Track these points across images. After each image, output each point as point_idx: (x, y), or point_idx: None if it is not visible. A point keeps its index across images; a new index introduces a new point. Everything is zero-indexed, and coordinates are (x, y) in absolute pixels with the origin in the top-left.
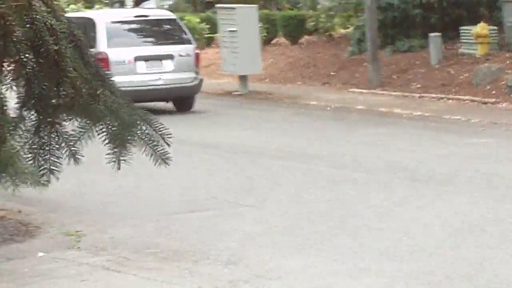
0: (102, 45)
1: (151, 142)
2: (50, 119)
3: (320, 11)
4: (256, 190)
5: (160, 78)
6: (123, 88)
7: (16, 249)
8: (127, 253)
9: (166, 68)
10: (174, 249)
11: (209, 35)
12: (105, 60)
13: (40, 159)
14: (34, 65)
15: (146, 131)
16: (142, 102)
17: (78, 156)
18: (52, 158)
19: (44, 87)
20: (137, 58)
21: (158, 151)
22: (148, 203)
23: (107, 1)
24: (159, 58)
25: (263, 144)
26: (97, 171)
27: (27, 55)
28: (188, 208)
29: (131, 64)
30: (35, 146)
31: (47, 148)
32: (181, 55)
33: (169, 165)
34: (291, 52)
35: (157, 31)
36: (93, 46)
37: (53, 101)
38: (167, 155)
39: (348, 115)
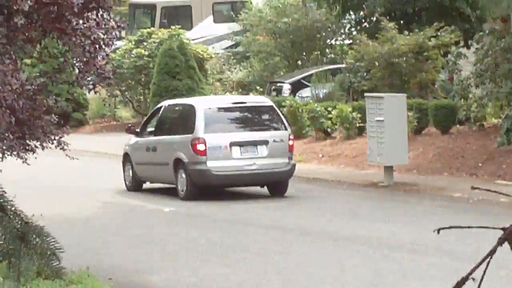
0: (200, 130)
1: (45, 255)
2: None
3: (472, 100)
4: (384, 285)
5: (254, 163)
6: (218, 173)
7: None
8: None
9: (260, 154)
10: None
11: (360, 124)
12: (202, 146)
13: None
14: None
15: (39, 244)
16: (237, 187)
17: None
18: None
19: None
20: (233, 144)
21: (53, 265)
22: None
23: (262, 90)
24: (254, 143)
25: (399, 237)
26: (222, 264)
27: None
28: None
29: (227, 150)
30: None
31: None
32: (275, 141)
33: (64, 280)
34: (441, 142)
35: (253, 117)
36: (192, 131)
37: None
38: (63, 270)
39: (491, 208)
